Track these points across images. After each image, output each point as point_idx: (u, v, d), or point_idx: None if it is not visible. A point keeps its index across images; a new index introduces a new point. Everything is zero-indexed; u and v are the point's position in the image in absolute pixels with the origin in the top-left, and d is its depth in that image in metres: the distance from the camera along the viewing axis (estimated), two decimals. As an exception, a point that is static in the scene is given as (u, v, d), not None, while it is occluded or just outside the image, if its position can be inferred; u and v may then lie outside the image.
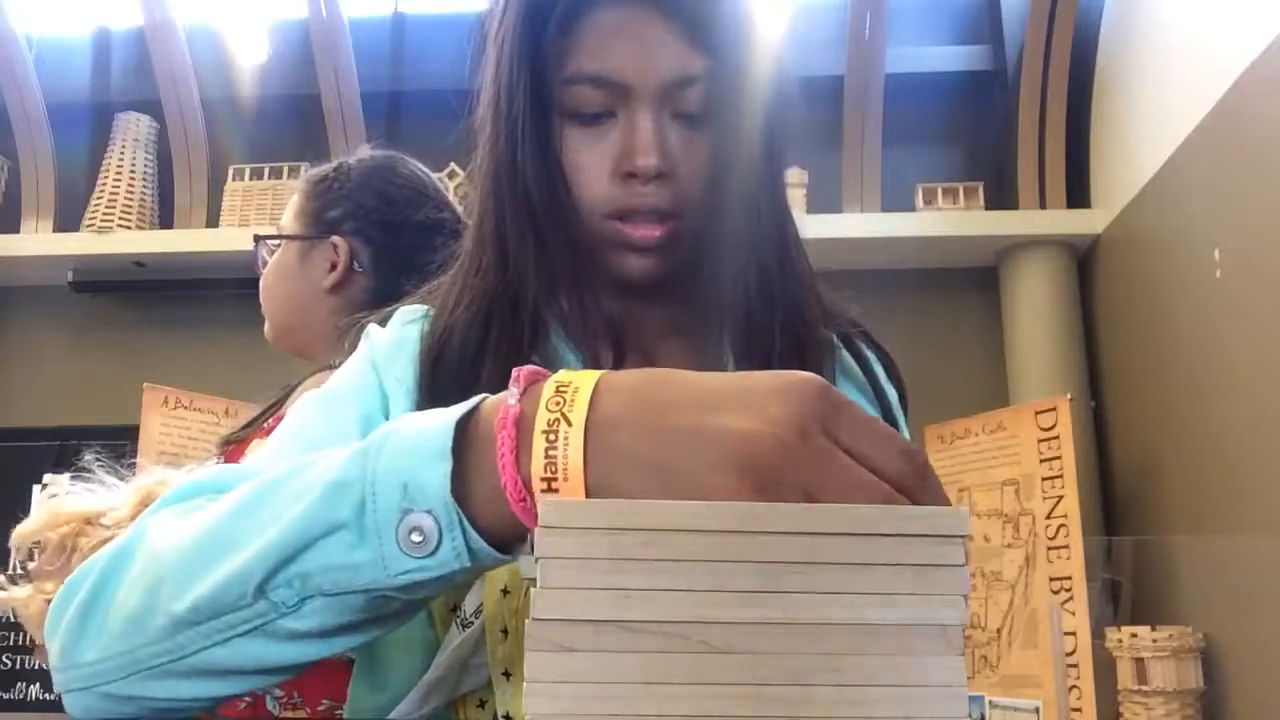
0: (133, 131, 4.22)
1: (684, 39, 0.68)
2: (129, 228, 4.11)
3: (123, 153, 4.17)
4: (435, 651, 0.65)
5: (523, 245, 0.70)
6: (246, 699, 1.17)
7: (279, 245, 1.33)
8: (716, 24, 0.68)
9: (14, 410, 4.28)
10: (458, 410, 0.47)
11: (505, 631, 0.61)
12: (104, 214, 4.09)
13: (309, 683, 1.21)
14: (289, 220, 1.36)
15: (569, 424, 0.43)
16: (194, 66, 4.21)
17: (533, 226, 0.70)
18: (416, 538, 0.46)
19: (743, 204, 0.70)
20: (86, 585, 0.55)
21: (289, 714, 1.18)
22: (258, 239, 1.38)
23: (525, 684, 0.34)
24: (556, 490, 0.42)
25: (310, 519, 0.48)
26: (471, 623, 0.62)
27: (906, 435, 0.69)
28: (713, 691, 0.34)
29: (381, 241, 1.30)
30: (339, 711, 1.22)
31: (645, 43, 0.68)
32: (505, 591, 0.61)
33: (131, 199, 4.14)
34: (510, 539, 0.46)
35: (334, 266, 1.27)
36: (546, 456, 0.43)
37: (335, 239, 1.28)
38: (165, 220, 4.26)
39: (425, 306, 0.74)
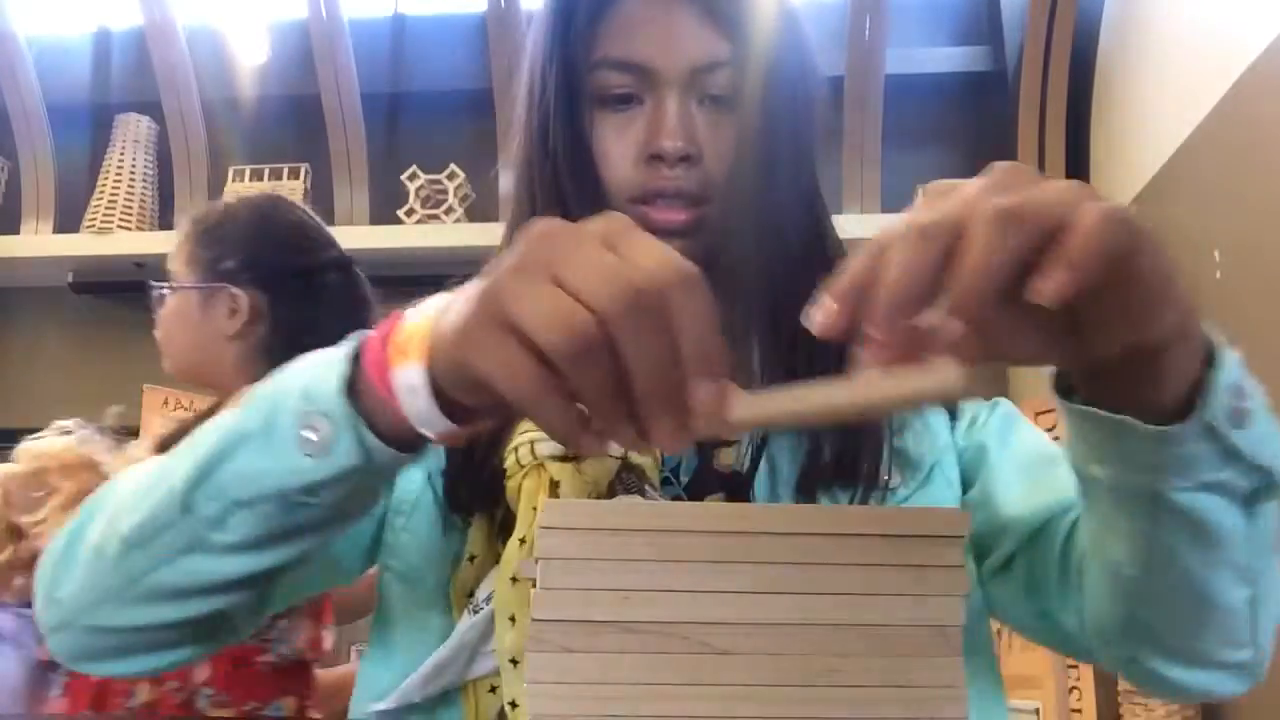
0: (132, 132, 4.21)
1: (710, 24, 0.69)
2: (129, 229, 4.11)
3: (122, 154, 4.17)
4: (447, 636, 0.66)
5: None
6: (180, 695, 1.25)
7: (175, 292, 1.43)
8: (742, 9, 0.69)
9: (14, 410, 4.28)
10: (366, 332, 0.52)
11: (513, 619, 0.62)
12: (104, 215, 4.08)
13: (237, 685, 1.33)
14: (181, 267, 1.47)
15: (424, 311, 0.49)
16: (194, 67, 4.20)
17: (563, 213, 0.70)
18: (312, 436, 0.50)
19: (770, 190, 0.71)
20: (67, 529, 0.61)
21: (217, 712, 1.26)
22: (151, 286, 1.48)
23: (525, 684, 0.34)
24: (404, 354, 0.47)
25: (226, 433, 0.53)
26: (482, 609, 0.64)
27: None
28: (713, 692, 0.34)
29: (279, 287, 1.41)
30: (263, 712, 1.31)
31: (671, 28, 0.69)
32: (515, 580, 0.62)
33: (131, 200, 4.13)
34: (398, 435, 0.50)
35: (234, 313, 1.37)
36: (403, 331, 0.48)
37: (234, 290, 1.38)
38: (165, 221, 4.25)
39: None
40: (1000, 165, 0.43)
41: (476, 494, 0.68)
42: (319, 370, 0.52)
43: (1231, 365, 0.48)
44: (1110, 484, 0.50)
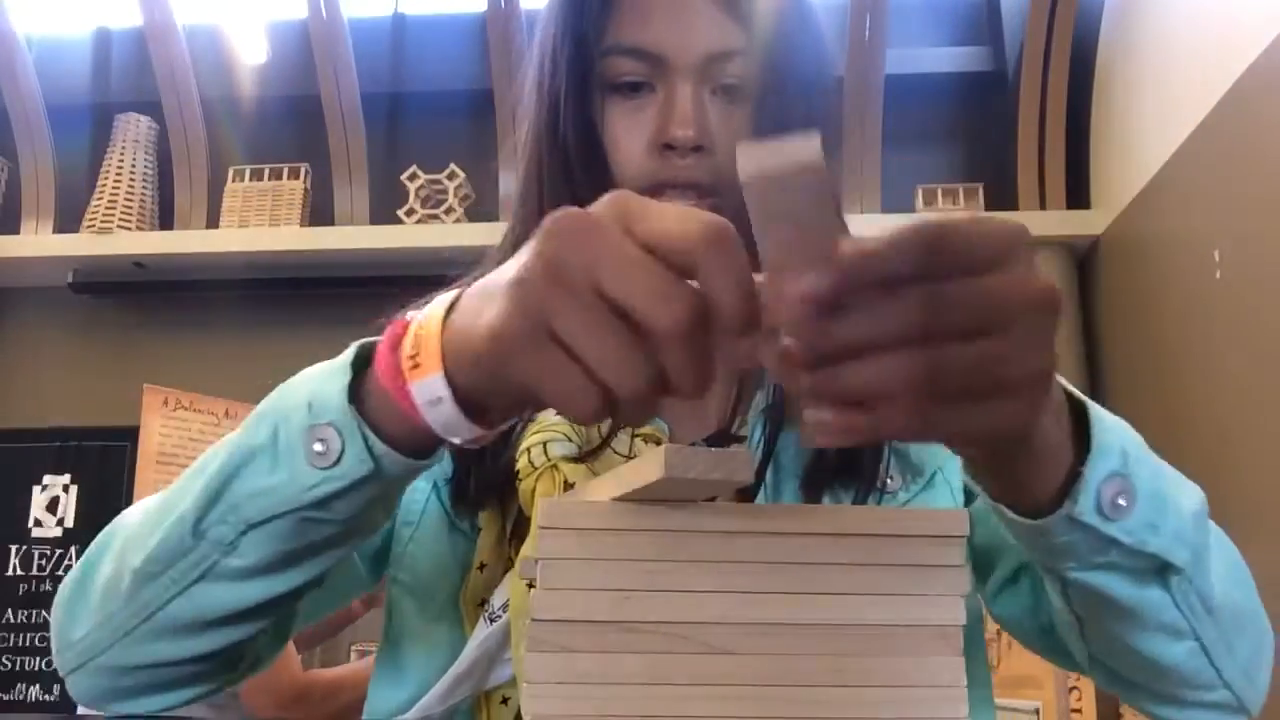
0: (133, 132, 4.21)
1: (724, 11, 0.67)
2: (129, 229, 4.11)
3: (123, 154, 4.17)
4: (458, 650, 0.65)
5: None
6: None
7: None
8: None
9: (14, 410, 4.28)
10: (366, 340, 0.51)
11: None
12: (104, 215, 4.08)
13: None
14: None
15: (433, 316, 0.46)
16: (194, 67, 4.20)
17: (573, 201, 0.68)
18: (320, 448, 0.49)
19: None
20: (76, 569, 0.59)
21: None
22: None
23: (525, 685, 0.34)
24: (419, 365, 0.45)
25: (233, 453, 0.52)
26: (499, 616, 0.63)
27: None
28: (713, 692, 0.34)
29: None
30: None
31: (685, 14, 0.67)
32: (531, 585, 0.61)
33: (131, 200, 4.13)
34: (414, 443, 0.49)
35: None
36: (414, 339, 0.46)
37: None
38: (165, 221, 4.25)
39: None
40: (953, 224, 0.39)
41: (484, 489, 0.66)
42: (322, 381, 0.50)
43: (1110, 453, 0.47)
44: (1035, 567, 0.51)
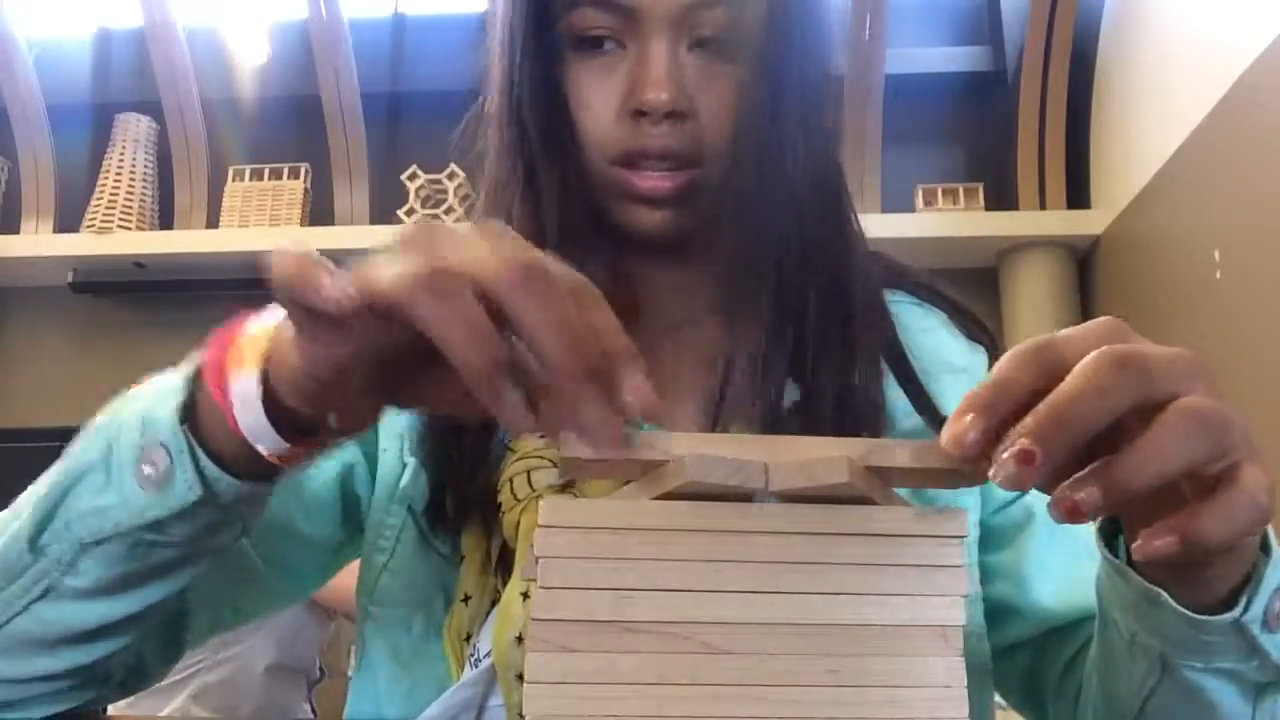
0: (133, 132, 4.21)
1: None
2: (129, 229, 4.11)
3: (123, 154, 4.17)
4: (441, 684, 0.60)
5: (513, 190, 0.63)
6: None
7: None
8: None
9: (14, 410, 4.28)
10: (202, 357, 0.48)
11: (521, 678, 0.58)
12: (104, 215, 4.09)
13: None
14: None
15: (268, 320, 0.44)
16: (194, 67, 4.21)
17: (526, 169, 0.62)
18: (149, 470, 0.46)
19: (774, 151, 0.60)
20: None
21: None
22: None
23: (525, 684, 0.34)
24: (241, 363, 0.43)
25: (68, 468, 0.49)
26: (483, 661, 0.59)
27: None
28: (713, 692, 0.34)
29: None
30: None
31: None
32: (520, 640, 0.56)
33: (131, 200, 4.14)
34: (243, 461, 0.45)
35: None
36: (245, 337, 0.44)
37: None
38: (165, 221, 4.25)
39: None
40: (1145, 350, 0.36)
41: (463, 510, 0.61)
42: (159, 396, 0.47)
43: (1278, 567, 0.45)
44: (1127, 633, 0.48)
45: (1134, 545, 0.36)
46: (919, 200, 4.09)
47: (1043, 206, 4.01)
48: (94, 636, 0.52)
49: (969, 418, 0.34)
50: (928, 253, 4.07)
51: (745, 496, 0.36)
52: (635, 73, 0.59)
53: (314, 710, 2.17)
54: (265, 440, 0.44)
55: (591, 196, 0.62)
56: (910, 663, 0.35)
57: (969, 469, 0.36)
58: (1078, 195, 4.04)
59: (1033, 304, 3.99)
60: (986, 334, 0.70)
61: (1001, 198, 4.10)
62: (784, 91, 0.60)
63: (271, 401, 0.43)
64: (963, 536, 0.36)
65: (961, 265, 4.15)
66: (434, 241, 0.37)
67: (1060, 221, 3.99)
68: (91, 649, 0.52)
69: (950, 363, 0.67)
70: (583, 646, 0.34)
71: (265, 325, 0.44)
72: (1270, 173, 2.74)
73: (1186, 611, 0.43)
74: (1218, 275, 3.02)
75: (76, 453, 0.49)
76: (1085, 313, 4.03)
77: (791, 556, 0.35)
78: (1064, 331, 0.37)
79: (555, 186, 0.62)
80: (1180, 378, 0.35)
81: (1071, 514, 0.34)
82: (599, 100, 0.60)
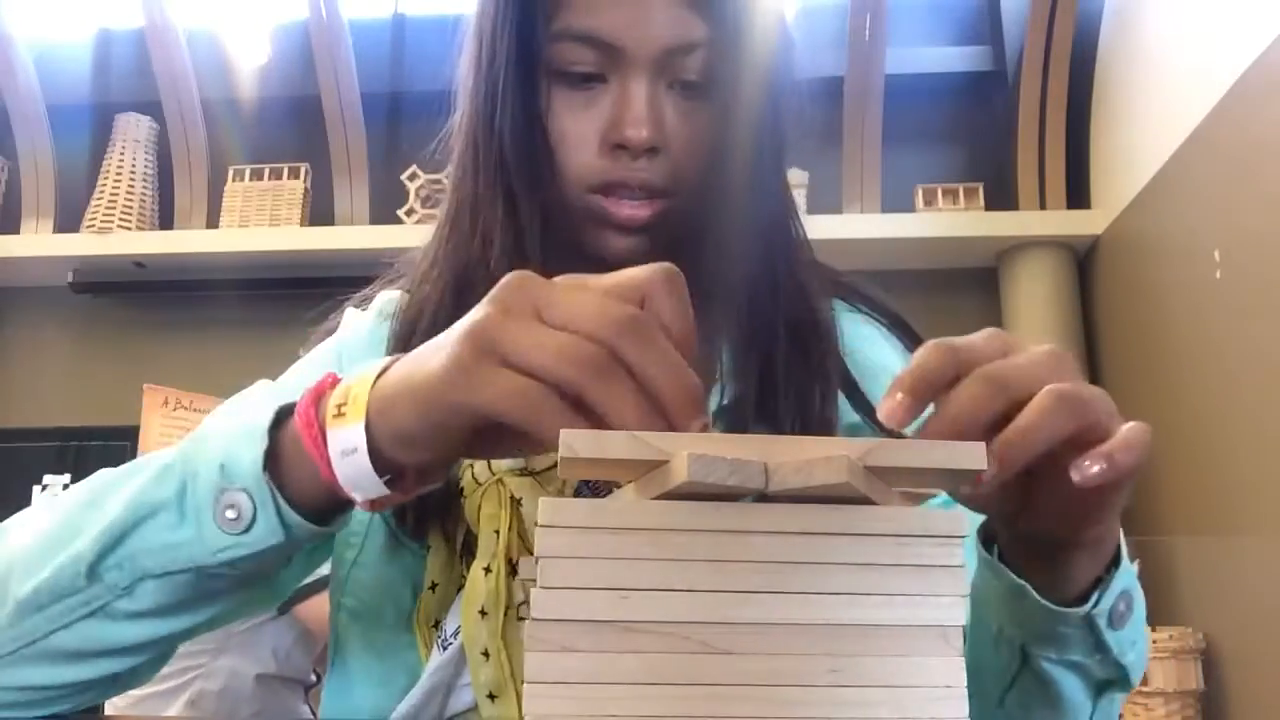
0: (133, 132, 4.22)
1: (685, 1, 0.62)
2: (129, 228, 4.11)
3: (123, 154, 4.18)
4: (413, 673, 0.62)
5: (493, 215, 0.65)
6: None
7: None
8: None
9: (14, 410, 4.28)
10: (281, 400, 0.50)
11: (486, 654, 0.59)
12: (104, 215, 4.09)
13: None
14: None
15: (365, 374, 0.47)
16: (194, 68, 4.21)
17: (505, 194, 0.65)
18: (231, 514, 0.48)
19: (743, 184, 0.65)
20: None
21: None
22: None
23: (525, 684, 0.34)
24: (342, 415, 0.45)
25: (137, 502, 0.50)
26: (451, 643, 0.61)
27: None
28: (713, 692, 0.34)
29: None
30: None
31: (643, 3, 0.61)
32: (483, 613, 0.59)
33: (131, 200, 4.14)
34: (321, 504, 0.48)
35: None
36: (343, 391, 0.46)
37: None
38: (165, 221, 4.26)
39: (402, 294, 0.71)
40: (1042, 350, 0.43)
41: (428, 509, 0.63)
42: (238, 441, 0.49)
43: (1129, 572, 0.51)
44: (995, 626, 0.53)
45: (1071, 470, 0.40)
46: (919, 200, 4.09)
47: (1043, 206, 4.01)
48: (128, 652, 0.54)
49: (899, 396, 0.40)
50: (928, 253, 4.08)
51: (745, 497, 0.36)
52: (618, 108, 0.62)
53: (313, 712, 2.18)
54: (365, 487, 0.46)
55: (568, 221, 0.65)
56: (910, 663, 0.35)
57: (969, 470, 0.37)
58: (1078, 195, 4.04)
59: (1032, 304, 3.99)
60: (920, 344, 0.76)
61: (1001, 198, 4.10)
62: (753, 132, 0.65)
63: (372, 450, 0.45)
64: (963, 536, 0.36)
65: (961, 265, 4.16)
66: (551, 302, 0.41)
67: (1060, 221, 3.99)
68: (120, 661, 0.54)
69: (890, 370, 0.70)
70: (582, 646, 0.34)
71: (362, 379, 0.46)
72: (1270, 173, 2.74)
73: (1047, 604, 0.48)
74: (1218, 275, 3.02)
75: (142, 490, 0.51)
76: (1085, 312, 4.03)
77: (791, 556, 0.35)
78: (961, 338, 0.43)
79: (536, 215, 0.65)
80: (1046, 371, 0.42)
81: (976, 487, 0.39)
82: (579, 132, 0.63)
